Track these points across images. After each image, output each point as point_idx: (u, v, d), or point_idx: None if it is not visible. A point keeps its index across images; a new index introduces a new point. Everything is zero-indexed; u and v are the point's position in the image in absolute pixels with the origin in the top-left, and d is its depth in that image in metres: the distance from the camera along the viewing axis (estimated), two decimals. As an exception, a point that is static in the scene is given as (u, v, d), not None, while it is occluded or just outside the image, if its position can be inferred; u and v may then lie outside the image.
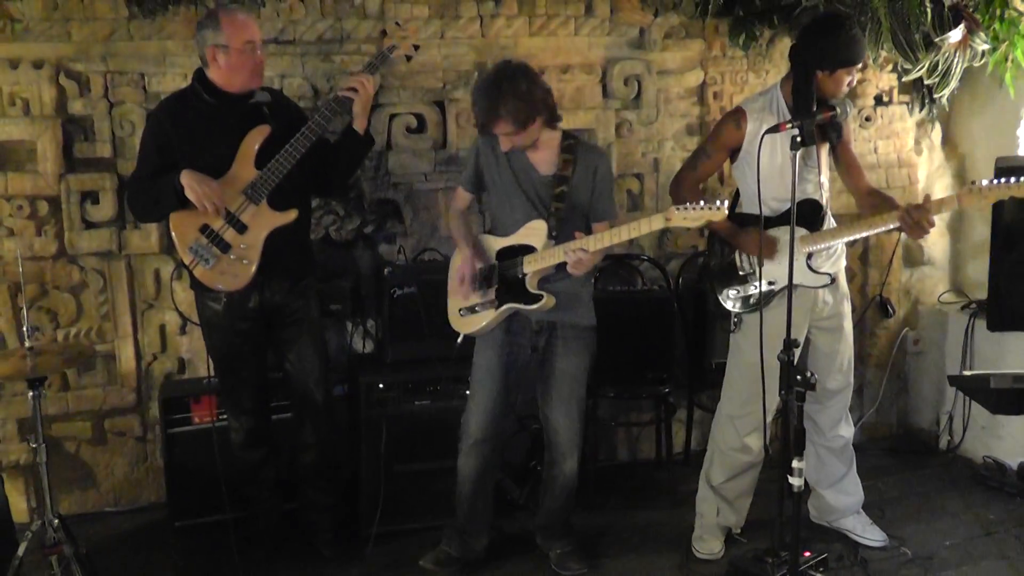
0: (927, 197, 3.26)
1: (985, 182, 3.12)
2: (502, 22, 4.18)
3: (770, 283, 3.40)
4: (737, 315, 3.54)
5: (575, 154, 3.31)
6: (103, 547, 3.77)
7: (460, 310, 3.46)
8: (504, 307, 3.35)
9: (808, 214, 3.35)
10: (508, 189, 3.35)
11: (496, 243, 3.42)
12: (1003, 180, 3.10)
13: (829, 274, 3.41)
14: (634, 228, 3.16)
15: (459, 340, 3.51)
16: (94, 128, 3.87)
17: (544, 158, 3.33)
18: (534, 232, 3.31)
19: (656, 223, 3.12)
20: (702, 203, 3.02)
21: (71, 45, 3.80)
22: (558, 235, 3.28)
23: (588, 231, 3.28)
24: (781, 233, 3.38)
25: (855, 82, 3.40)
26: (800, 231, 3.32)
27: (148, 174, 3.35)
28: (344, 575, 3.59)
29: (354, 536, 3.80)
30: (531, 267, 3.30)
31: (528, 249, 3.32)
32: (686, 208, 3.04)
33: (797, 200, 3.24)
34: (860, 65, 3.37)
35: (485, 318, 3.39)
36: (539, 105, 3.18)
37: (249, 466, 3.71)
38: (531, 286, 3.32)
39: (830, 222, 3.55)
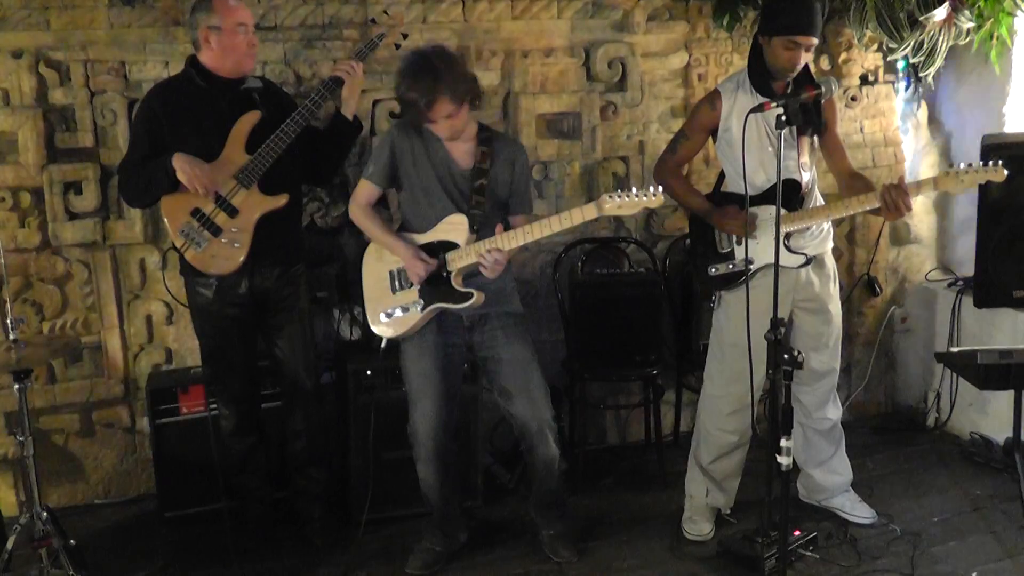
0: (901, 179, 3.25)
1: (963, 166, 3.13)
2: (484, 6, 4.16)
3: (748, 261, 3.40)
4: (716, 293, 3.56)
5: (492, 146, 3.26)
6: (93, 539, 3.76)
7: (384, 312, 3.35)
8: (431, 307, 3.26)
9: (786, 194, 3.34)
10: (427, 184, 3.25)
11: (414, 240, 3.30)
12: (980, 165, 3.10)
13: (804, 254, 3.41)
14: (565, 219, 3.09)
15: (383, 345, 3.39)
16: (75, 118, 3.84)
17: (463, 150, 3.26)
18: (454, 227, 3.22)
19: (589, 212, 3.06)
20: (634, 191, 2.98)
21: (50, 34, 3.76)
22: (480, 230, 3.21)
23: (507, 225, 3.22)
24: (758, 212, 3.38)
25: (800, 61, 3.28)
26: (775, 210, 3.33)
27: (139, 158, 3.37)
28: (335, 562, 3.58)
29: (344, 523, 3.80)
30: (455, 264, 3.22)
31: (449, 245, 3.23)
32: (619, 196, 2.98)
33: (775, 182, 3.26)
34: (805, 42, 3.25)
35: (411, 320, 3.28)
36: (472, 83, 3.15)
37: (239, 454, 3.71)
38: (457, 284, 3.23)
39: (818, 202, 3.55)
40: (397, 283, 3.32)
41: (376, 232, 3.34)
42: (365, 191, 3.35)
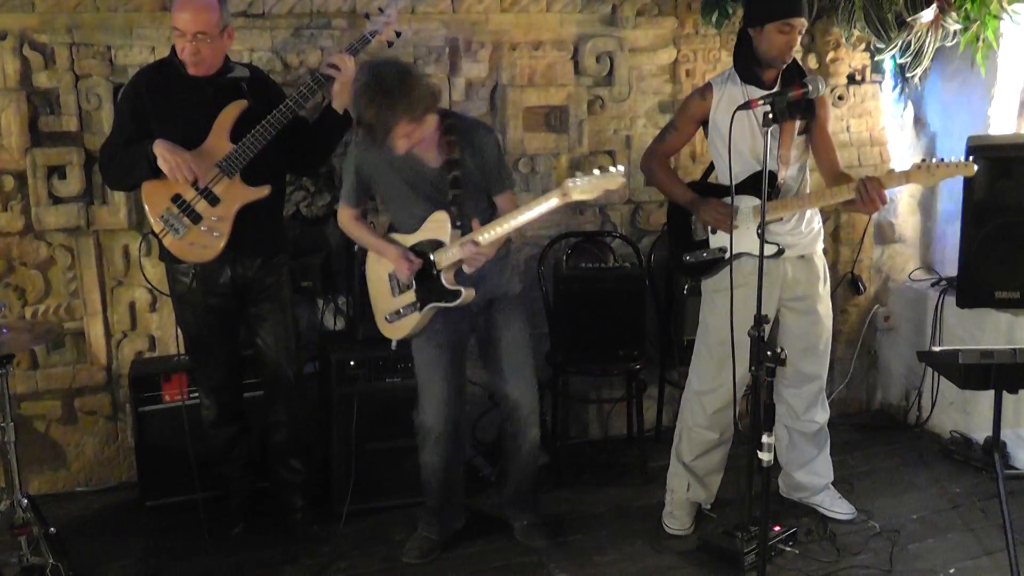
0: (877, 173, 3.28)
1: (935, 160, 3.17)
2: (474, -3, 4.15)
3: (720, 250, 3.41)
4: (690, 281, 3.57)
5: (458, 134, 3.20)
6: (73, 527, 3.74)
7: (387, 316, 3.38)
8: (428, 307, 3.27)
9: (759, 183, 3.33)
10: (399, 191, 3.26)
11: (403, 242, 3.30)
12: (952, 159, 3.13)
13: (777, 244, 3.41)
14: (531, 210, 3.03)
15: (393, 346, 3.41)
16: (60, 101, 3.80)
17: (429, 149, 3.19)
18: (438, 225, 3.20)
19: (553, 200, 2.98)
20: (596, 172, 2.93)
21: (35, 16, 3.72)
22: (463, 224, 3.18)
23: (493, 208, 3.26)
24: (736, 203, 3.39)
25: (795, 44, 3.32)
26: (753, 200, 3.34)
27: (122, 142, 3.35)
28: (316, 553, 3.58)
29: (326, 514, 3.79)
30: (442, 262, 3.20)
31: (436, 244, 3.23)
32: (581, 179, 2.92)
33: (755, 171, 3.31)
34: (799, 23, 3.28)
35: (411, 321, 3.31)
36: (429, 97, 3.04)
37: (220, 444, 3.70)
38: (447, 282, 3.22)
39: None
40: (396, 286, 3.34)
41: (366, 239, 3.40)
42: (345, 212, 3.40)
